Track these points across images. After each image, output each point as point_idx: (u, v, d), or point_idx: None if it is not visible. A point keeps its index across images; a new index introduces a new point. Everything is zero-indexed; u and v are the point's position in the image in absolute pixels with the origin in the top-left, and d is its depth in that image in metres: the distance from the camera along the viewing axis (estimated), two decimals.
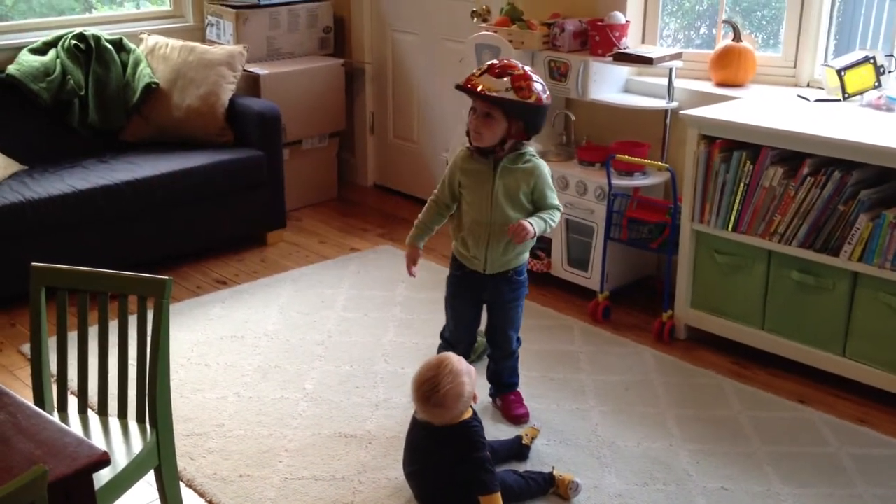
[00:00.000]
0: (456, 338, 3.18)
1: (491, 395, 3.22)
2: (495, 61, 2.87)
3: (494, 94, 2.78)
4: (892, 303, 3.11)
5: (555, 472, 2.77)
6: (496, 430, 3.06)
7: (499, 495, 2.57)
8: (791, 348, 3.40)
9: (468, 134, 2.91)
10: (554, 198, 2.97)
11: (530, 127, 2.86)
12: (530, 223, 2.85)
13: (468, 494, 2.59)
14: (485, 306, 3.15)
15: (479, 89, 2.80)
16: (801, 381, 3.40)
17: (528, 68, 2.86)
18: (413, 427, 2.72)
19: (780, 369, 3.47)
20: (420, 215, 3.07)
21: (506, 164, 2.89)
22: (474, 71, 2.87)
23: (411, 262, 3.07)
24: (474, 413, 2.67)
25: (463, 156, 2.97)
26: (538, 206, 2.95)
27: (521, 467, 2.85)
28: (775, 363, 3.49)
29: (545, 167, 2.95)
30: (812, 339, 3.34)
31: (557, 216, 2.97)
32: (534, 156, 2.93)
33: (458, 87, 2.88)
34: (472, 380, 2.61)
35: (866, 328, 3.20)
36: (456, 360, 2.61)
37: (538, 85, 2.84)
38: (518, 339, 3.16)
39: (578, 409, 3.21)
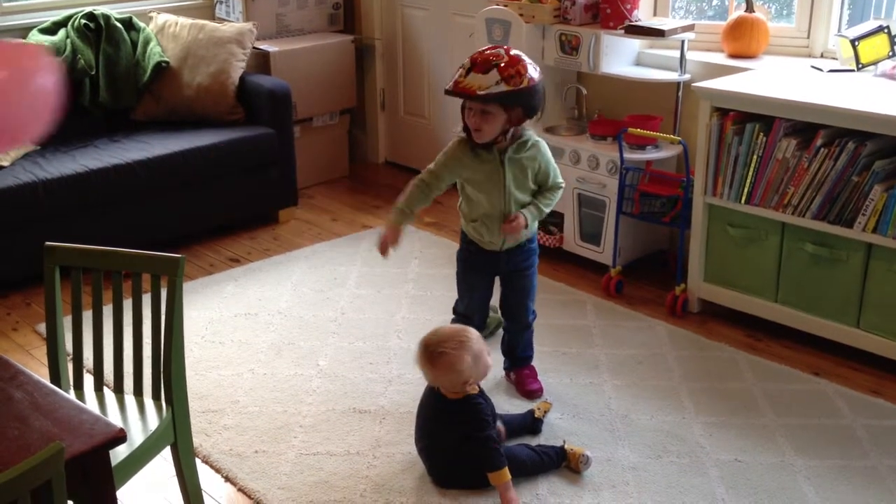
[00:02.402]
0: (471, 310, 3.16)
1: (506, 368, 3.23)
2: (476, 54, 2.78)
3: (486, 91, 2.71)
4: None
5: (566, 446, 2.78)
6: (509, 405, 3.07)
7: (505, 471, 2.58)
8: (805, 320, 3.39)
9: (466, 131, 2.86)
10: (557, 175, 2.97)
11: (529, 110, 2.81)
12: (524, 216, 2.89)
13: (475, 470, 2.62)
14: (497, 279, 3.15)
15: (471, 91, 2.72)
16: (815, 354, 3.39)
17: (513, 51, 2.78)
18: (423, 401, 2.74)
19: (793, 341, 3.46)
20: (402, 197, 2.93)
21: (511, 155, 2.87)
22: (458, 71, 2.77)
23: (393, 242, 2.91)
24: (481, 390, 2.69)
25: (462, 150, 2.89)
26: (542, 185, 2.96)
27: (534, 441, 2.87)
28: (789, 335, 3.48)
29: (545, 146, 2.95)
30: (826, 311, 3.33)
31: (557, 195, 2.98)
32: (536, 140, 2.92)
33: (448, 93, 2.79)
34: (477, 365, 2.60)
35: (881, 300, 3.19)
36: (475, 339, 2.62)
37: (527, 66, 2.76)
38: (533, 311, 3.16)
39: (592, 383, 3.22)
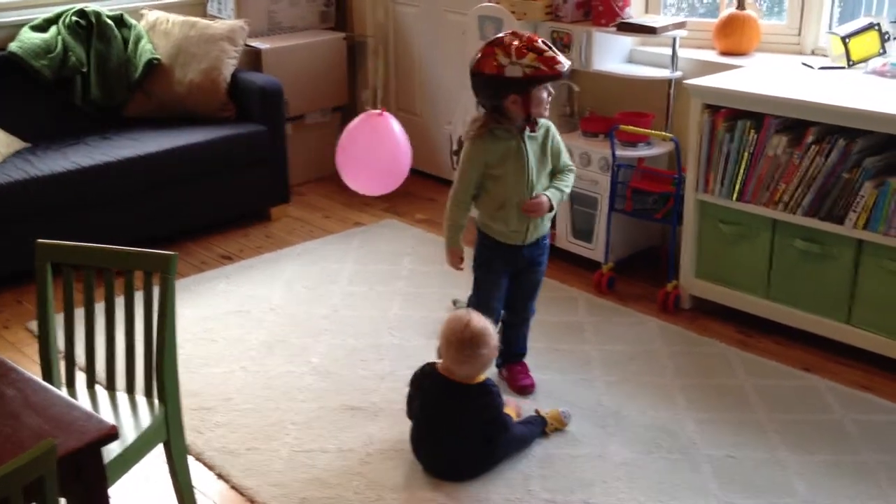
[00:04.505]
0: (488, 309, 2.98)
1: (497, 364, 3.23)
2: (527, 36, 2.83)
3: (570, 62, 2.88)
4: None
5: (540, 412, 2.89)
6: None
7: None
8: (796, 316, 3.41)
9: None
10: (567, 157, 3.04)
11: None
12: (546, 196, 2.93)
13: (490, 454, 2.72)
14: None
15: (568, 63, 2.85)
16: (805, 349, 3.41)
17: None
18: (430, 400, 2.74)
19: (784, 338, 3.47)
20: (449, 217, 3.00)
21: (529, 134, 2.93)
22: (550, 54, 2.79)
23: (458, 260, 3.06)
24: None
25: (481, 139, 2.90)
26: (554, 166, 2.99)
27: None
28: (780, 331, 3.49)
29: (554, 127, 3.02)
30: (817, 308, 3.34)
31: (572, 178, 3.04)
32: (545, 119, 2.99)
33: (562, 74, 2.81)
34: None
35: (871, 296, 3.20)
36: (495, 334, 2.73)
37: None
38: (534, 308, 3.19)
39: (584, 380, 3.22)
